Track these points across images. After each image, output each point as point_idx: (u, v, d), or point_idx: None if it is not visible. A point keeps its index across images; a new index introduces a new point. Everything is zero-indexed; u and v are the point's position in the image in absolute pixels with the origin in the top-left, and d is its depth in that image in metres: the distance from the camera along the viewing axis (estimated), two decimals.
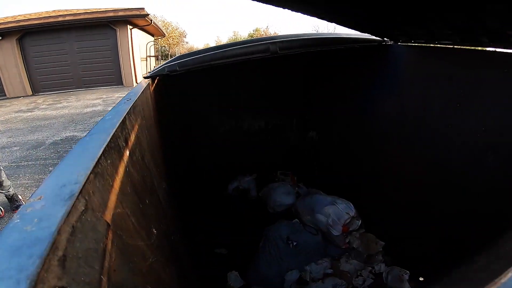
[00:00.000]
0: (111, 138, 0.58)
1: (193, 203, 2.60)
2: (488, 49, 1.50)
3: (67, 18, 9.22)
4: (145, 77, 1.84)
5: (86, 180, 0.44)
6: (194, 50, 2.09)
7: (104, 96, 8.92)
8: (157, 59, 11.88)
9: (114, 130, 0.61)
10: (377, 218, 2.14)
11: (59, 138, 5.26)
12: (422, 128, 1.84)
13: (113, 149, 0.59)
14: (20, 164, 4.20)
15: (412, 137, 1.91)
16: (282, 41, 1.90)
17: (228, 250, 2.29)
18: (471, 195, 1.51)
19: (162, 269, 0.89)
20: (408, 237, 1.89)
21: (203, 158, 3.06)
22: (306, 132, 3.09)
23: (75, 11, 9.86)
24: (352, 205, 2.15)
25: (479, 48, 1.55)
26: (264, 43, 1.88)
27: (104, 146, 0.53)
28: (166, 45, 18.48)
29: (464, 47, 1.62)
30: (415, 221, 1.85)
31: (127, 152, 0.69)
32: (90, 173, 0.46)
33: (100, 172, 0.50)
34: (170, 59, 2.07)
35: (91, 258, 0.42)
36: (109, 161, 0.55)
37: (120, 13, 9.48)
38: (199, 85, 2.85)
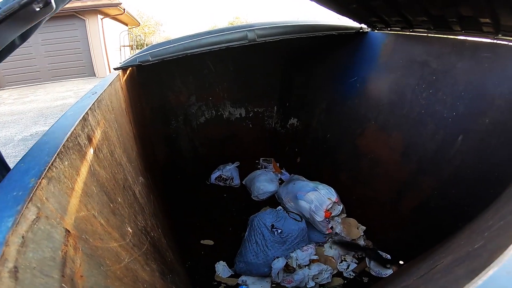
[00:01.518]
0: (68, 138, 0.54)
1: (176, 194, 2.56)
2: (459, 37, 1.55)
3: None
4: (115, 69, 1.74)
5: (37, 187, 0.40)
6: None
7: (75, 88, 8.44)
8: (132, 49, 11.40)
9: (73, 128, 0.57)
10: (357, 202, 2.20)
11: (29, 134, 4.95)
12: (396, 113, 1.89)
13: (71, 149, 0.54)
14: None
15: (387, 122, 1.96)
16: (260, 28, 1.87)
17: (214, 240, 2.29)
18: (444, 178, 1.57)
19: (141, 268, 0.86)
20: (387, 221, 1.96)
21: (184, 149, 3.01)
22: (287, 119, 3.09)
23: None
24: (333, 190, 2.19)
25: (452, 36, 1.58)
26: (241, 31, 1.85)
27: (60, 147, 0.49)
28: (141, 34, 17.65)
29: (438, 35, 1.66)
30: (393, 206, 1.92)
31: (91, 151, 0.65)
32: (42, 178, 0.42)
33: (56, 176, 0.47)
34: (142, 49, 1.97)
35: (48, 267, 0.39)
36: (66, 163, 0.51)
37: (89, 3, 8.90)
38: (176, 75, 2.76)
